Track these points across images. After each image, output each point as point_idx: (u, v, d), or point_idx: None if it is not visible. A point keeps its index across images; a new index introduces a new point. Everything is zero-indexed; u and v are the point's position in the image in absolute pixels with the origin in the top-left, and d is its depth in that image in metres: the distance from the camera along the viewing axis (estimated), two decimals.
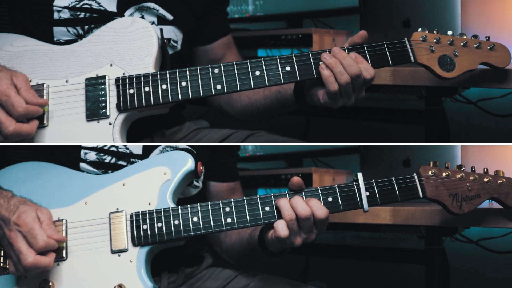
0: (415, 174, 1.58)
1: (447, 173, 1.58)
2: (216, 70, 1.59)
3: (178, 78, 1.59)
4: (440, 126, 2.16)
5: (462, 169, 1.59)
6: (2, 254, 1.54)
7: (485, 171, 1.60)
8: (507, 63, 1.65)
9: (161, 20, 1.78)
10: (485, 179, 1.59)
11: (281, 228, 1.50)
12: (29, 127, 1.51)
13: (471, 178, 1.58)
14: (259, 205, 1.54)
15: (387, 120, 2.58)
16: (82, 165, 1.67)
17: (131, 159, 1.68)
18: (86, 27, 1.71)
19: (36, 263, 1.44)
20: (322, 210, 1.50)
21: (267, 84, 1.59)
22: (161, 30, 1.71)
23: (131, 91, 1.59)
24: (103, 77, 1.61)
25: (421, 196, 1.56)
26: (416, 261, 2.21)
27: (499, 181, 1.59)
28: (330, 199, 1.54)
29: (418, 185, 1.56)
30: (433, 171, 1.57)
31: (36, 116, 1.53)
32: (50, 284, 1.54)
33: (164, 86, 1.59)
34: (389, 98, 2.51)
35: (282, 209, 1.51)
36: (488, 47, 1.64)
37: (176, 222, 1.55)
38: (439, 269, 2.04)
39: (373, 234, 2.65)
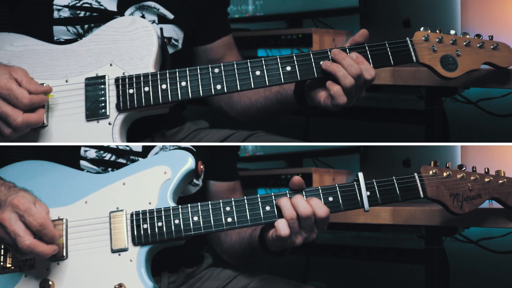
0: (416, 174, 1.57)
1: (448, 173, 1.57)
2: (216, 70, 1.59)
3: (178, 78, 1.59)
4: (440, 126, 2.16)
5: (463, 169, 1.58)
6: (1, 253, 1.54)
7: (486, 171, 1.60)
8: (510, 63, 1.64)
9: (162, 19, 1.78)
10: (486, 179, 1.58)
11: (281, 227, 1.49)
12: (36, 116, 1.51)
13: (472, 178, 1.58)
14: (260, 205, 1.54)
15: (387, 120, 2.58)
16: (82, 162, 1.67)
17: (131, 157, 1.68)
18: (86, 26, 1.71)
19: (34, 247, 1.42)
20: (323, 209, 1.50)
21: (267, 84, 1.59)
22: (161, 29, 1.71)
23: (131, 91, 1.59)
24: (103, 77, 1.61)
25: (422, 196, 1.56)
26: (416, 261, 2.21)
27: (500, 181, 1.59)
28: (330, 198, 1.54)
29: (419, 185, 1.56)
30: (434, 171, 1.57)
31: (42, 105, 1.53)
32: (50, 283, 1.53)
33: (163, 86, 1.59)
34: (389, 98, 2.51)
35: (283, 208, 1.50)
36: (491, 47, 1.63)
37: (177, 221, 1.54)
38: (439, 269, 2.04)
39: (373, 234, 2.65)
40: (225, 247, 1.82)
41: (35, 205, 1.46)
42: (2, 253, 1.54)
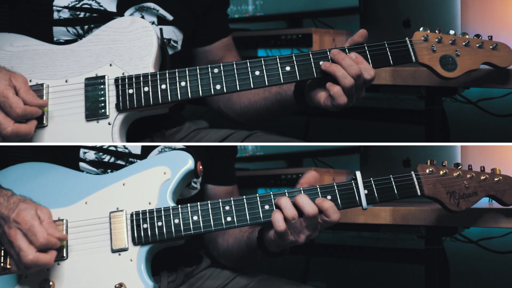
0: (412, 172, 1.58)
1: (444, 171, 1.58)
2: (216, 70, 1.59)
3: (177, 78, 1.59)
4: (440, 126, 2.16)
5: (459, 167, 1.59)
6: (2, 254, 1.54)
7: (482, 169, 1.60)
8: (509, 62, 1.64)
9: (161, 20, 1.78)
10: (482, 177, 1.59)
11: (277, 221, 1.49)
12: (27, 127, 1.50)
13: (468, 176, 1.58)
14: (259, 204, 1.54)
15: (387, 120, 2.58)
16: (81, 164, 1.67)
17: (130, 159, 1.68)
18: (86, 27, 1.71)
19: (37, 261, 1.44)
20: (337, 215, 1.51)
21: (266, 84, 1.59)
22: (161, 30, 1.71)
23: (131, 91, 1.59)
24: (103, 77, 1.61)
25: (419, 194, 1.56)
26: (416, 261, 2.21)
27: (496, 179, 1.59)
28: (329, 197, 1.54)
29: (416, 183, 1.56)
30: (430, 169, 1.58)
31: (35, 117, 1.52)
32: (51, 283, 1.53)
33: (163, 86, 1.59)
34: (389, 98, 2.52)
35: (283, 208, 1.50)
36: (491, 47, 1.63)
37: (176, 221, 1.55)
38: (439, 269, 2.04)
39: (373, 234, 2.65)
40: (222, 251, 1.81)
41: (38, 217, 1.46)
42: (2, 254, 1.54)
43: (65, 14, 1.71)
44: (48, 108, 1.58)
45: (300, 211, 1.51)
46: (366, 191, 1.55)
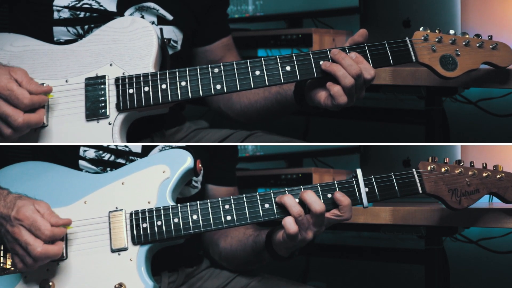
0: (414, 169, 1.57)
1: (446, 168, 1.57)
2: (216, 70, 1.59)
3: (177, 78, 1.59)
4: (440, 126, 2.16)
5: (461, 164, 1.58)
6: (1, 254, 1.54)
7: (484, 166, 1.60)
8: (509, 62, 1.64)
9: (161, 20, 1.78)
10: (484, 174, 1.58)
11: (289, 225, 1.50)
12: (37, 116, 1.52)
13: (470, 173, 1.58)
14: (259, 202, 1.54)
15: (387, 120, 2.58)
16: (81, 162, 1.67)
17: (130, 157, 1.68)
18: (86, 26, 1.71)
19: (46, 252, 1.44)
20: (351, 213, 1.53)
21: (267, 84, 1.59)
22: (161, 30, 1.71)
23: (131, 91, 1.59)
24: (103, 77, 1.61)
25: (420, 191, 1.56)
26: (416, 261, 2.21)
27: (498, 176, 1.59)
28: (329, 195, 1.54)
29: (417, 180, 1.56)
30: (432, 167, 1.57)
31: (42, 105, 1.53)
32: (50, 283, 1.53)
33: (163, 86, 1.59)
34: (389, 98, 2.52)
35: (288, 206, 1.50)
36: (491, 47, 1.63)
37: (176, 220, 1.54)
38: (439, 269, 2.04)
39: (373, 234, 2.65)
40: (225, 254, 1.81)
41: (38, 211, 1.46)
42: (2, 254, 1.54)
43: (65, 14, 1.71)
44: (49, 102, 1.58)
45: (304, 207, 1.51)
46: (367, 189, 1.55)
